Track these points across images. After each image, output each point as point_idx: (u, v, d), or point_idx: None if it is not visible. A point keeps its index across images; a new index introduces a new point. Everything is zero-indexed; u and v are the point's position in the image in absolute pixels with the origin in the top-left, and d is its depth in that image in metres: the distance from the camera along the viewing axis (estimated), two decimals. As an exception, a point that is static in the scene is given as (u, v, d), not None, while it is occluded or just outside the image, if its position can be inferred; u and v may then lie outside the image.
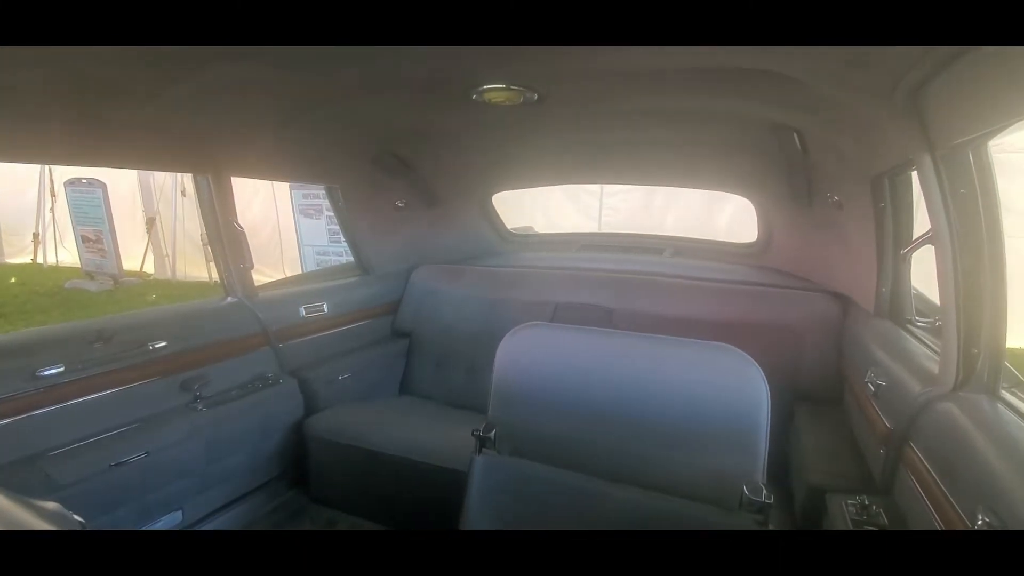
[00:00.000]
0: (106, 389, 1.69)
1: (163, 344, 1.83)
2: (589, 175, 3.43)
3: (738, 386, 1.14)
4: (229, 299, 2.18)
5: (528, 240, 3.45)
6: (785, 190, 2.20)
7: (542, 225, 5.14)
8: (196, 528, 1.92)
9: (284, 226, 7.10)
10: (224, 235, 2.13)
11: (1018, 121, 0.85)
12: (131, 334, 1.78)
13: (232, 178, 2.14)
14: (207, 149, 1.99)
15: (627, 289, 2.48)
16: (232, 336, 2.09)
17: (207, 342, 1.99)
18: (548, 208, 6.24)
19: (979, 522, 0.86)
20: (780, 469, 1.79)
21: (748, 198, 2.62)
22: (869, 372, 1.58)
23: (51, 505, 0.65)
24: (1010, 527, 0.80)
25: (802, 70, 1.27)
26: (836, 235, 2.08)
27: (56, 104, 1.45)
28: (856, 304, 2.04)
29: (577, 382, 1.29)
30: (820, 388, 2.05)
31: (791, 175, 2.06)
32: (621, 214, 6.16)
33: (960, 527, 0.92)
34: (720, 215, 5.51)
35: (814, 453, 1.62)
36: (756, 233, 2.74)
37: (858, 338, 1.87)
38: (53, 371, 1.57)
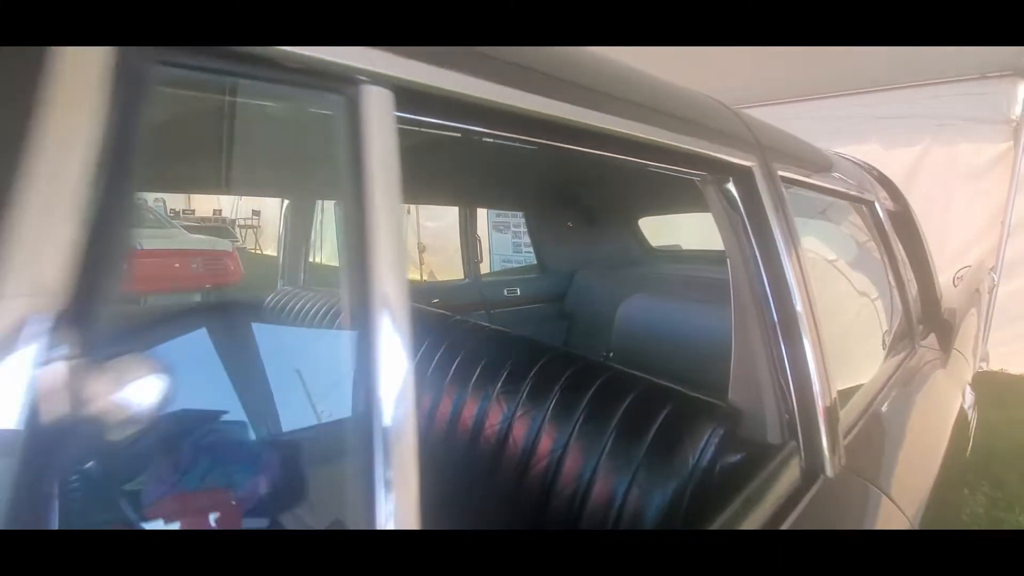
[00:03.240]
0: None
1: (436, 300, 3.32)
2: None
3: None
4: (467, 279, 3.65)
5: (666, 254, 4.43)
6: None
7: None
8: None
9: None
10: (470, 241, 3.62)
11: None
12: (432, 295, 3.31)
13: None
14: (464, 190, 3.47)
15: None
16: (467, 301, 3.52)
17: (459, 303, 3.45)
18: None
19: None
20: None
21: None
22: None
23: None
24: None
25: None
26: None
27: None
28: None
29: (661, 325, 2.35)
30: None
31: None
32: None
33: None
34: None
35: None
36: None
37: None
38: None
